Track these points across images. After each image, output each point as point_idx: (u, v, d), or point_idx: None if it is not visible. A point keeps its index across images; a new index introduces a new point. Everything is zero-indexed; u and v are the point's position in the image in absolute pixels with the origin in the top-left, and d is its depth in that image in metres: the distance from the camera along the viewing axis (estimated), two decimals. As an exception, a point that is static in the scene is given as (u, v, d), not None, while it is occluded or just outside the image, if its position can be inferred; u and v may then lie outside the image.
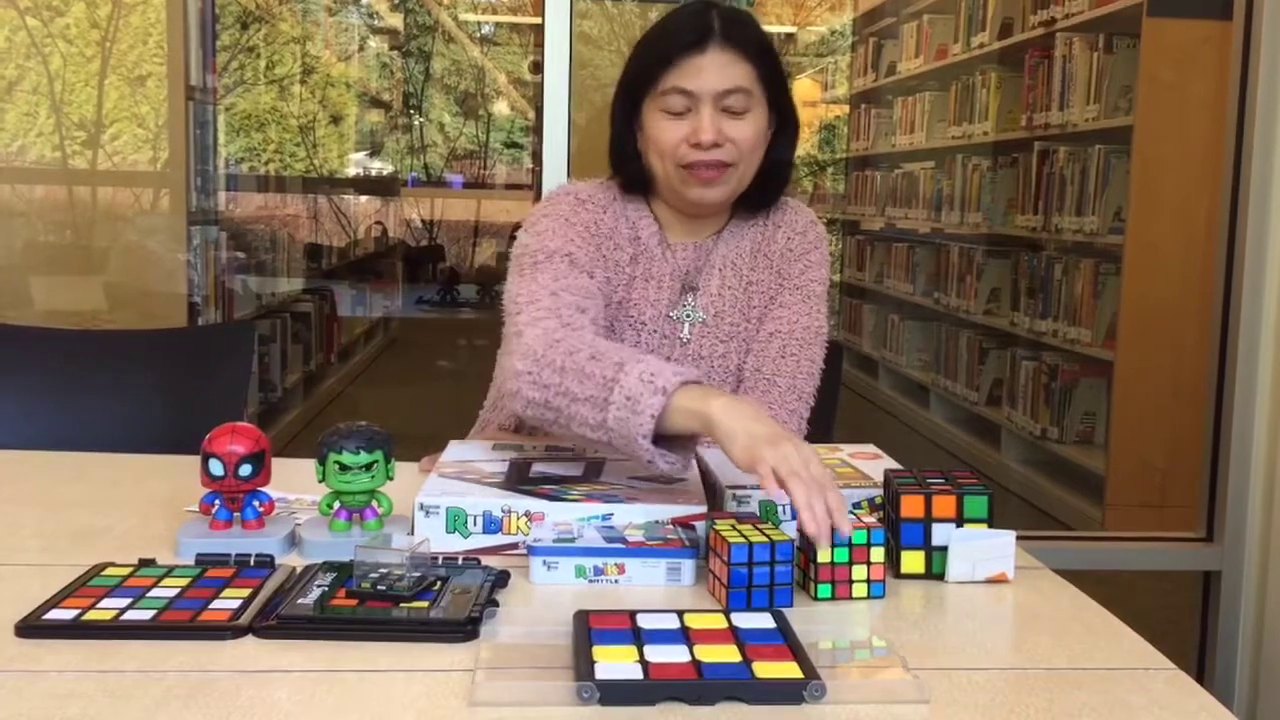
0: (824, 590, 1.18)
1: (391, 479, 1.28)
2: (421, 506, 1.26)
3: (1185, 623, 2.76)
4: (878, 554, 1.19)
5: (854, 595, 1.18)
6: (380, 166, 8.67)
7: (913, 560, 1.24)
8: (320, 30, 7.92)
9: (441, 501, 1.26)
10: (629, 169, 1.67)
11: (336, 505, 1.28)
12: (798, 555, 1.20)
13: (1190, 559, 2.70)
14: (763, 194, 1.69)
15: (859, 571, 1.19)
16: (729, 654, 0.98)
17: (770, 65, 1.62)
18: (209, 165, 4.22)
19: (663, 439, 1.31)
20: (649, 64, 1.61)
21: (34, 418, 1.99)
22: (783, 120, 1.66)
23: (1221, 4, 2.78)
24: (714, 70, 1.57)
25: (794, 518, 1.34)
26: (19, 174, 3.89)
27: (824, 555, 1.18)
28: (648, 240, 1.67)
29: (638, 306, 1.65)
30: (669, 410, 1.28)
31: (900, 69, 6.12)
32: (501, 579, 1.15)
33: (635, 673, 0.94)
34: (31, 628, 1.03)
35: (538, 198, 1.78)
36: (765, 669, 0.95)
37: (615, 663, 0.95)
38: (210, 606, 1.08)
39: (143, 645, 1.01)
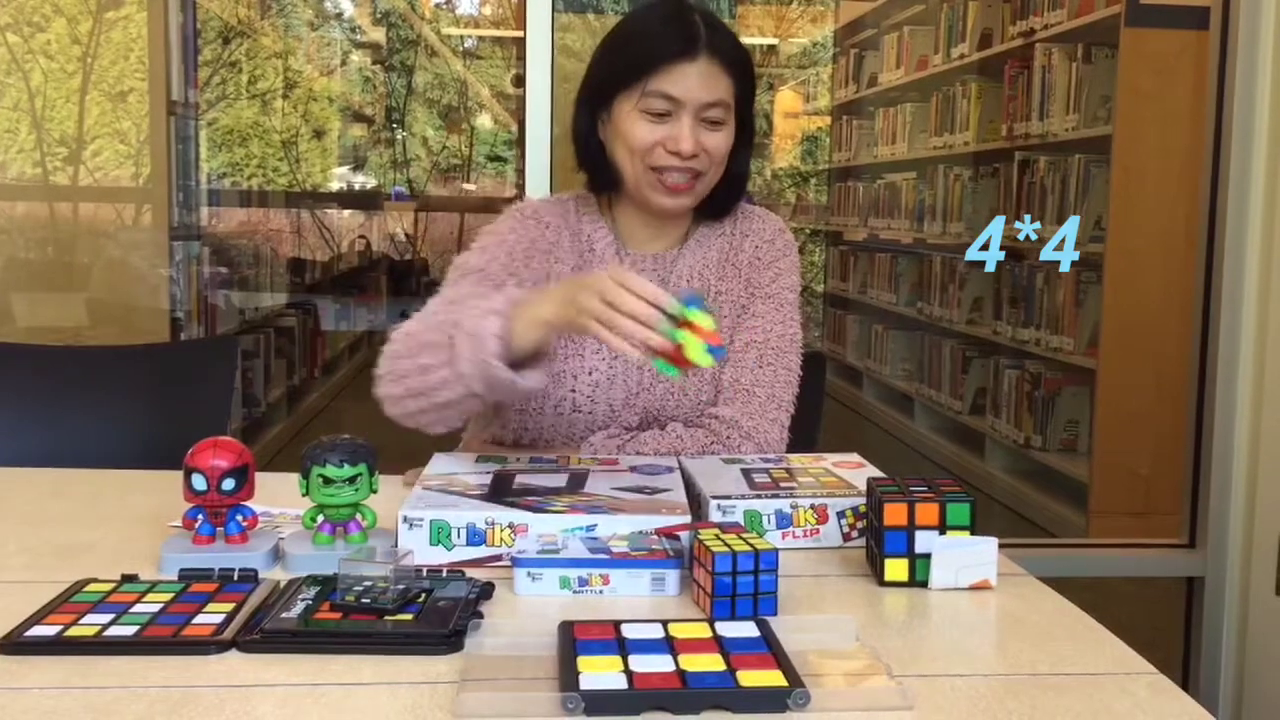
0: (666, 368, 1.24)
1: (375, 492, 1.28)
2: (405, 519, 1.26)
3: (1169, 629, 2.78)
4: (701, 318, 1.23)
5: (694, 360, 1.24)
6: (363, 181, 8.66)
7: (896, 568, 1.24)
8: (302, 45, 7.92)
9: (425, 514, 1.26)
10: (594, 167, 1.67)
11: (320, 519, 1.27)
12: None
13: (1173, 565, 2.72)
14: (721, 203, 1.70)
15: (688, 339, 1.24)
16: (713, 663, 0.98)
17: (749, 81, 1.64)
18: (191, 180, 4.22)
19: (520, 364, 1.41)
20: (631, 63, 1.59)
21: (16, 434, 1.99)
22: (742, 130, 1.67)
23: (1198, 14, 2.81)
24: (701, 81, 1.57)
25: (781, 527, 1.35)
26: (0, 190, 3.88)
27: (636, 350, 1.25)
28: (603, 252, 1.68)
29: None
30: (514, 330, 1.38)
31: (881, 80, 6.15)
32: (486, 591, 1.15)
33: (620, 683, 0.94)
34: (13, 644, 1.03)
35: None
36: (750, 677, 0.95)
37: (600, 673, 0.95)
38: (193, 621, 1.07)
39: (126, 661, 1.01)
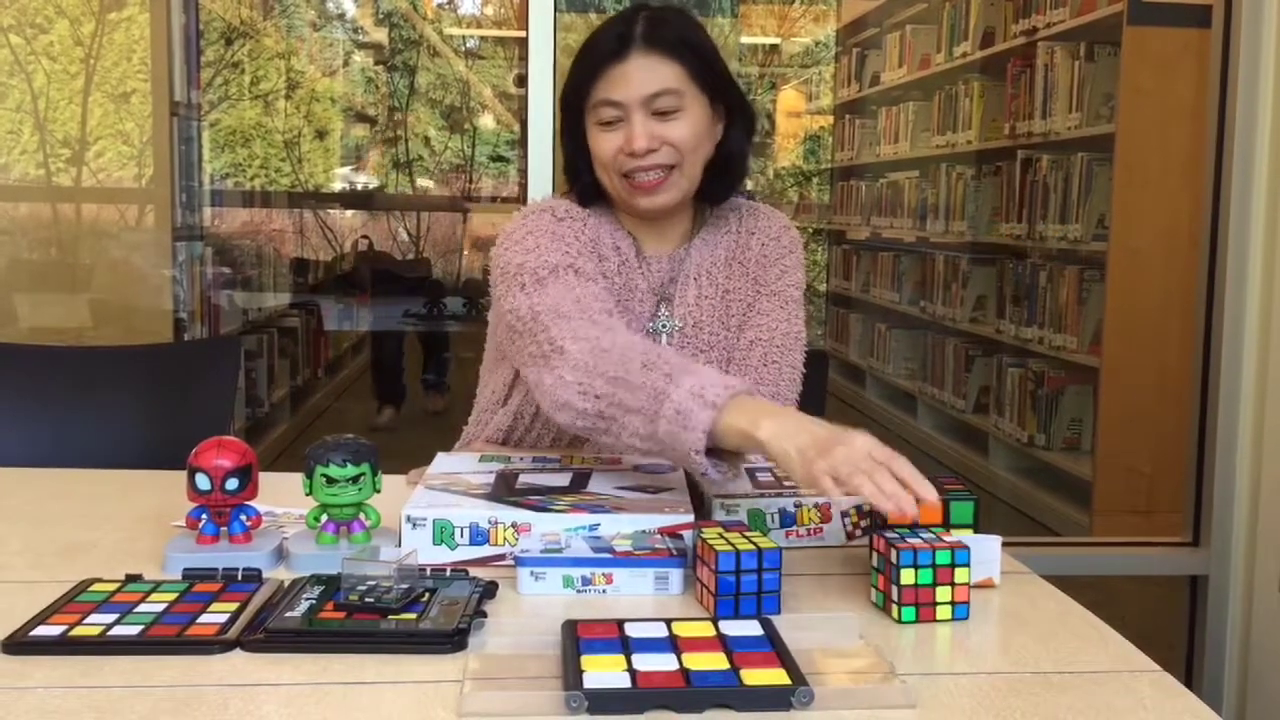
0: (908, 613, 1.15)
1: (378, 491, 1.28)
2: (408, 518, 1.26)
3: (1173, 627, 2.77)
4: (962, 575, 1.16)
5: (938, 617, 1.16)
6: (366, 180, 8.66)
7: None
8: (305, 45, 7.92)
9: (428, 513, 1.26)
10: (583, 184, 1.65)
11: (324, 518, 1.28)
12: (875, 576, 1.19)
13: (1177, 563, 2.71)
14: (717, 187, 1.67)
15: (943, 593, 1.16)
16: (717, 662, 0.98)
17: (701, 59, 1.59)
18: (194, 181, 4.22)
19: (714, 449, 1.30)
20: (578, 78, 1.60)
21: (20, 435, 1.99)
22: (732, 112, 1.64)
23: (1200, 13, 2.81)
24: (637, 76, 1.55)
25: (784, 526, 1.35)
26: (3, 191, 3.88)
27: (910, 574, 1.15)
28: (626, 251, 1.66)
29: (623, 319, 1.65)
30: (719, 428, 1.27)
31: (884, 79, 6.15)
32: (489, 590, 1.15)
33: (623, 681, 0.94)
34: (18, 644, 1.03)
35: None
36: (753, 676, 0.95)
37: (603, 672, 0.95)
38: (197, 621, 1.07)
39: (130, 660, 1.01)
